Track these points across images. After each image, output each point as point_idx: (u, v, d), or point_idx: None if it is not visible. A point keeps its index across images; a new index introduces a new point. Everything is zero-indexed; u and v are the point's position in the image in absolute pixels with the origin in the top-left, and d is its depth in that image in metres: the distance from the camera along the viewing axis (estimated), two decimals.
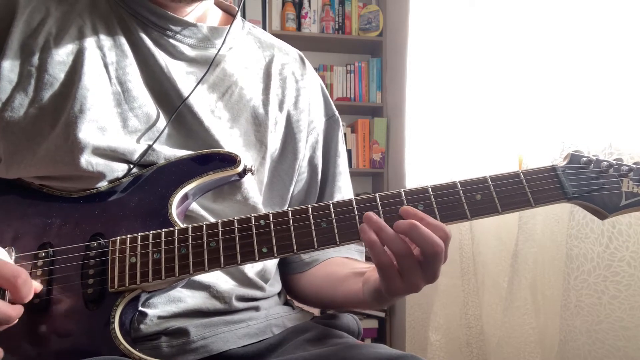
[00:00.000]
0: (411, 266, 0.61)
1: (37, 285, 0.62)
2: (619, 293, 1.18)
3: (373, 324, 2.78)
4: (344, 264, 0.84)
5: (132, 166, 0.72)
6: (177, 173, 0.71)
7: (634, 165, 0.66)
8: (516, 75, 1.62)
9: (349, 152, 2.94)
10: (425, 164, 2.21)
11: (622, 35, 1.23)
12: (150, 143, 0.73)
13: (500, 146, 1.68)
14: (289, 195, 0.86)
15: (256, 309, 0.78)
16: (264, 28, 2.88)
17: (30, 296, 0.60)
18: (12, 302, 0.59)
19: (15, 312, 0.59)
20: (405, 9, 2.52)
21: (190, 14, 0.82)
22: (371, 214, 0.62)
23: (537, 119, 1.50)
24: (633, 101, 1.21)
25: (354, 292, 0.75)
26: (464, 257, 1.84)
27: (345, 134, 2.94)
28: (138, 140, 0.73)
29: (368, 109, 3.07)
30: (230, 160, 0.72)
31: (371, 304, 0.72)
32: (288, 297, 0.89)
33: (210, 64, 0.79)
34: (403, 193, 0.64)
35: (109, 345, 0.61)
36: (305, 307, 0.89)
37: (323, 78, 2.97)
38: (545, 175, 0.65)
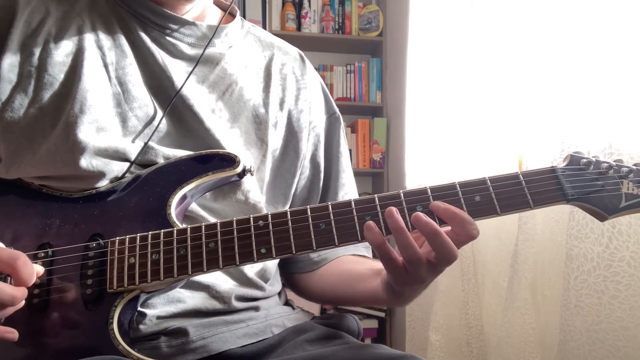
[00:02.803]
0: (418, 267, 0.61)
1: (38, 268, 0.62)
2: (619, 293, 1.18)
3: (373, 324, 2.78)
4: (359, 262, 0.85)
5: (130, 165, 0.72)
6: (176, 173, 0.71)
7: (634, 167, 0.66)
8: (516, 76, 1.62)
9: (349, 152, 2.93)
10: (425, 164, 2.21)
11: (622, 36, 1.23)
12: (149, 142, 0.73)
13: (500, 146, 1.68)
14: (292, 193, 0.87)
15: (256, 309, 0.78)
16: (264, 28, 2.87)
17: (33, 278, 0.59)
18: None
19: (19, 292, 0.58)
20: (405, 9, 2.51)
21: (189, 12, 0.82)
22: (394, 210, 0.61)
23: (537, 119, 1.49)
24: (633, 101, 1.20)
25: (373, 290, 0.75)
26: (464, 257, 1.83)
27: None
28: (137, 141, 0.73)
29: (368, 109, 3.07)
30: (229, 160, 0.72)
31: (391, 300, 0.72)
32: (288, 297, 0.89)
33: (200, 57, 0.79)
34: (402, 194, 0.64)
35: (108, 345, 0.61)
36: (306, 307, 0.89)
37: (323, 78, 2.96)
38: (545, 176, 0.65)
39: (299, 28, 2.95)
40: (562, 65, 1.41)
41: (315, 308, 2.37)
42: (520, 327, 1.46)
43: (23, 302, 0.59)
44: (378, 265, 0.79)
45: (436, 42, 2.14)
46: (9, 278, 0.58)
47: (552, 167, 0.66)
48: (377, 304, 0.81)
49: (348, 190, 0.91)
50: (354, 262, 0.85)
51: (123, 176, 0.72)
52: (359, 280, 0.79)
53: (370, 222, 0.61)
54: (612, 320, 1.19)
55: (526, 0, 1.58)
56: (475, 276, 1.79)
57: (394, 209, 0.61)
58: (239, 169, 0.72)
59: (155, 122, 0.74)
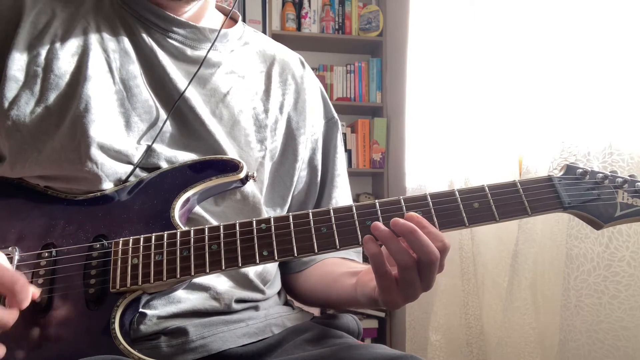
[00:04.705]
0: (412, 279, 0.62)
1: (35, 291, 0.63)
2: (619, 293, 1.18)
3: (373, 324, 2.79)
4: (340, 264, 0.85)
5: (134, 168, 0.73)
6: (180, 178, 0.72)
7: (629, 177, 0.68)
8: (516, 76, 1.62)
9: (349, 152, 2.94)
10: (425, 164, 2.21)
11: (622, 36, 1.24)
12: (151, 144, 0.74)
13: (501, 146, 1.68)
14: (290, 196, 0.87)
15: (256, 308, 0.78)
16: (264, 28, 2.88)
17: (27, 302, 0.60)
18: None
19: (11, 317, 0.59)
20: (405, 9, 2.52)
21: (187, 12, 0.82)
22: (379, 223, 0.62)
23: (537, 119, 1.50)
24: (633, 101, 1.21)
25: (346, 291, 0.76)
26: (464, 257, 1.84)
27: (345, 134, 2.94)
28: (140, 141, 0.74)
29: (368, 109, 3.07)
30: (232, 166, 0.73)
31: (365, 305, 0.74)
32: (288, 297, 0.90)
33: (202, 60, 0.80)
34: (402, 200, 0.65)
35: (109, 345, 0.61)
36: (305, 307, 0.89)
37: (323, 78, 2.97)
38: (542, 185, 0.67)
39: (299, 28, 2.95)
40: (562, 65, 1.41)
41: (315, 308, 2.37)
42: (520, 327, 1.46)
43: (12, 324, 0.60)
44: (356, 267, 0.80)
45: (436, 42, 2.15)
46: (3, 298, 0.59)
47: (549, 176, 0.67)
48: (353, 306, 0.82)
49: (340, 191, 0.92)
50: (334, 265, 0.85)
51: (127, 179, 0.72)
52: (335, 281, 0.80)
53: (368, 236, 0.62)
54: (612, 320, 1.19)
55: (526, 0, 1.58)
56: (475, 276, 1.79)
57: (378, 224, 0.62)
58: (242, 175, 0.73)
59: (159, 124, 0.75)
